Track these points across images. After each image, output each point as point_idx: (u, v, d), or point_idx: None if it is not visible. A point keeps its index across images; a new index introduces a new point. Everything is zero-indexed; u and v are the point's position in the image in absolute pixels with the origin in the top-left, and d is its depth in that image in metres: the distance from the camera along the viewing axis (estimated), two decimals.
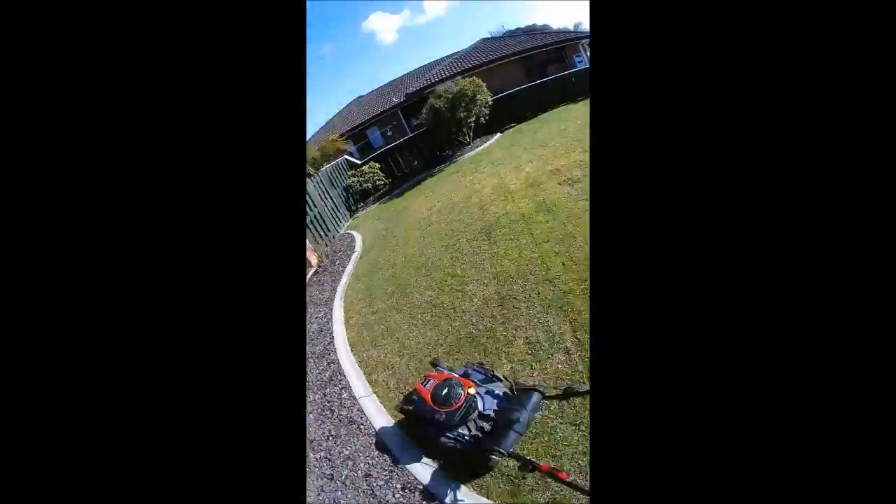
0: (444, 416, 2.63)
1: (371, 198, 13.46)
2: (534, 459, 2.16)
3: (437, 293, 5.07)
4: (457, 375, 2.93)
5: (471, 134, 13.63)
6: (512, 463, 2.39)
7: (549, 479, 2.06)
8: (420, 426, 2.90)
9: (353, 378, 4.23)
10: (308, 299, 7.12)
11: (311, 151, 17.33)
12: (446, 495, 2.47)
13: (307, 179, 10.74)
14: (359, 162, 14.22)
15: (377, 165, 13.72)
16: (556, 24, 20.55)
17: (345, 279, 7.23)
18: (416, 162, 14.25)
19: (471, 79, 12.71)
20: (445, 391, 2.71)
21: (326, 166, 13.17)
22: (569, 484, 1.74)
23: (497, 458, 2.39)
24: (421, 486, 2.61)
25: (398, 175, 14.22)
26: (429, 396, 2.75)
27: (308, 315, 6.43)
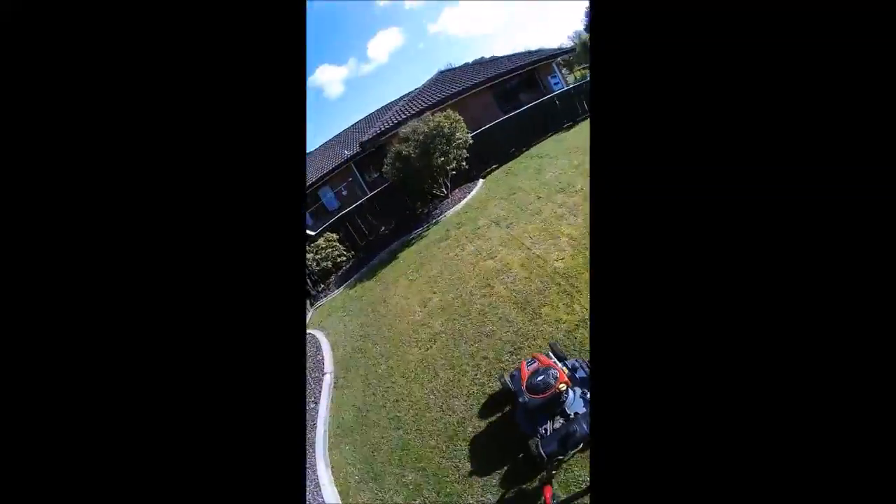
0: (528, 399, 2.76)
1: (332, 278, 10.34)
2: (548, 479, 2.25)
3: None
4: (559, 367, 2.90)
5: (448, 185, 10.81)
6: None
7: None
8: (510, 398, 3.19)
9: None
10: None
11: None
12: None
13: None
14: (312, 234, 11.11)
15: (334, 236, 10.66)
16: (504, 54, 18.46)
17: (322, 428, 4.58)
18: (382, 228, 11.22)
19: (445, 113, 9.98)
20: (540, 378, 2.76)
21: None
22: None
23: (536, 452, 2.51)
24: None
25: (362, 244, 11.15)
26: (525, 378, 2.86)
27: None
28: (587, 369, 2.94)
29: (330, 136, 23.80)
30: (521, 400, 2.82)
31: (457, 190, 10.99)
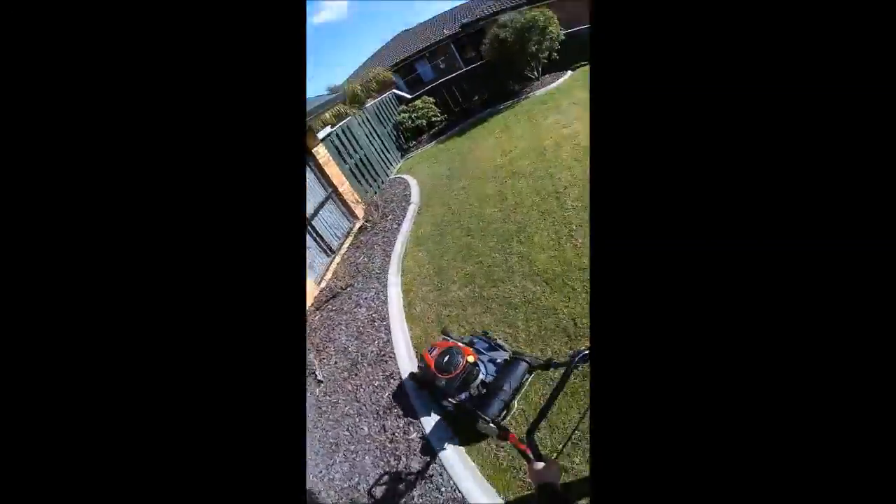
0: (444, 382, 2.79)
1: (425, 136, 12.22)
2: (507, 428, 2.14)
3: (543, 288, 3.78)
4: (461, 344, 2.98)
5: (539, 70, 12.03)
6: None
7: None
8: (426, 391, 3.19)
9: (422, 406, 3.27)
10: (354, 267, 5.85)
11: (354, 87, 15.95)
12: (441, 449, 2.85)
13: (352, 116, 9.58)
14: (409, 96, 12.87)
15: (431, 100, 12.35)
16: None
17: (401, 242, 5.89)
18: (476, 97, 12.75)
19: (540, 9, 11.00)
20: (447, 359, 2.83)
21: (372, 102, 11.95)
22: (524, 454, 1.62)
23: (483, 425, 2.49)
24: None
25: (455, 111, 12.80)
26: (432, 363, 2.89)
27: (354, 293, 5.15)
28: (486, 340, 3.06)
29: (425, 17, 24.33)
30: (438, 385, 2.83)
31: (547, 76, 12.20)
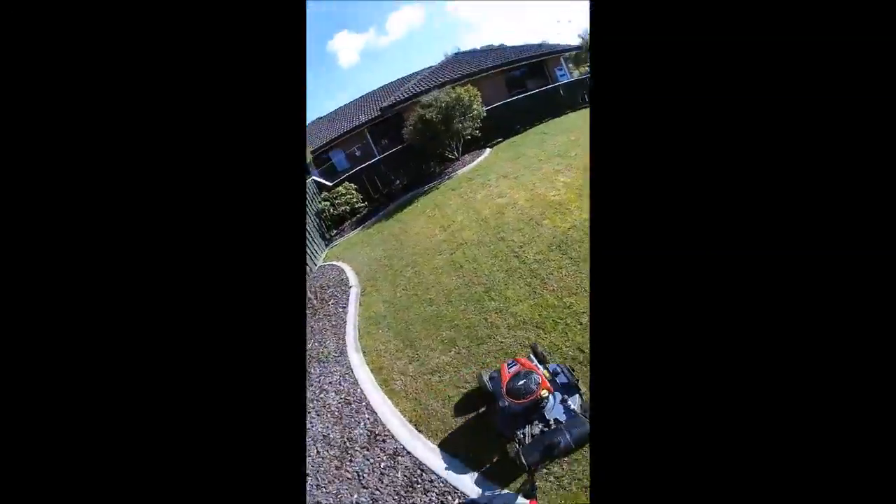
0: (508, 404, 2.68)
1: (347, 223, 11.58)
2: (535, 490, 2.18)
3: (536, 332, 3.76)
4: (540, 370, 2.86)
5: (460, 149, 12.13)
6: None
7: None
8: (489, 403, 3.08)
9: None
10: (307, 353, 5.23)
11: None
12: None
13: None
14: (330, 183, 12.34)
15: (353, 186, 11.89)
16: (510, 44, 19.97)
17: (352, 324, 5.46)
18: (397, 182, 12.49)
19: (465, 87, 11.30)
20: (522, 383, 2.70)
21: None
22: None
23: (514, 454, 2.46)
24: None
25: (376, 197, 12.41)
26: (505, 381, 2.79)
27: (314, 379, 4.64)
28: (569, 375, 2.89)
29: (340, 104, 24.85)
30: (500, 404, 2.77)
31: (467, 155, 12.31)
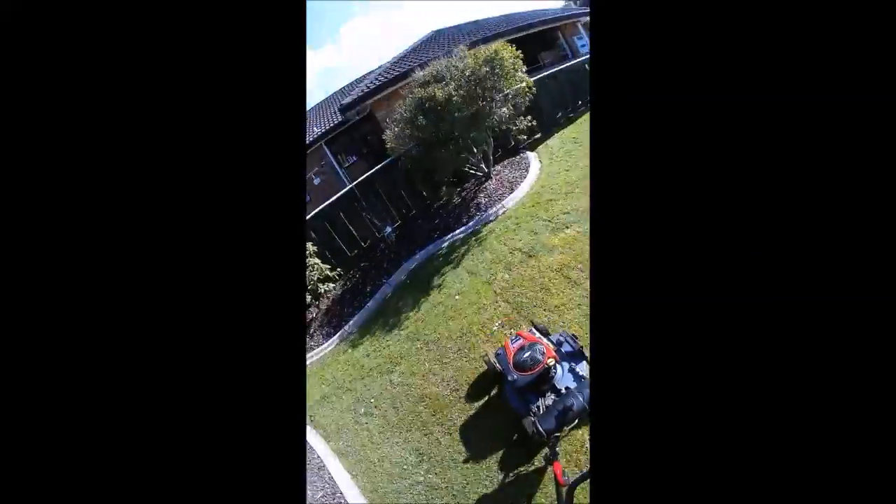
0: (516, 377, 2.70)
1: (314, 315, 6.38)
2: (557, 454, 2.17)
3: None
4: (545, 342, 2.85)
5: (491, 157, 7.00)
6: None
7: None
8: (498, 378, 3.09)
9: None
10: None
11: None
12: None
13: None
14: None
15: (309, 247, 6.68)
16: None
17: None
18: (388, 229, 7.22)
19: (501, 43, 6.13)
20: (527, 355, 2.72)
21: None
22: (558, 494, 1.57)
23: (530, 427, 2.44)
24: None
25: (353, 255, 7.18)
26: (511, 355, 2.80)
27: None
28: (573, 343, 2.86)
29: None
30: (509, 378, 2.73)
31: (498, 165, 7.19)
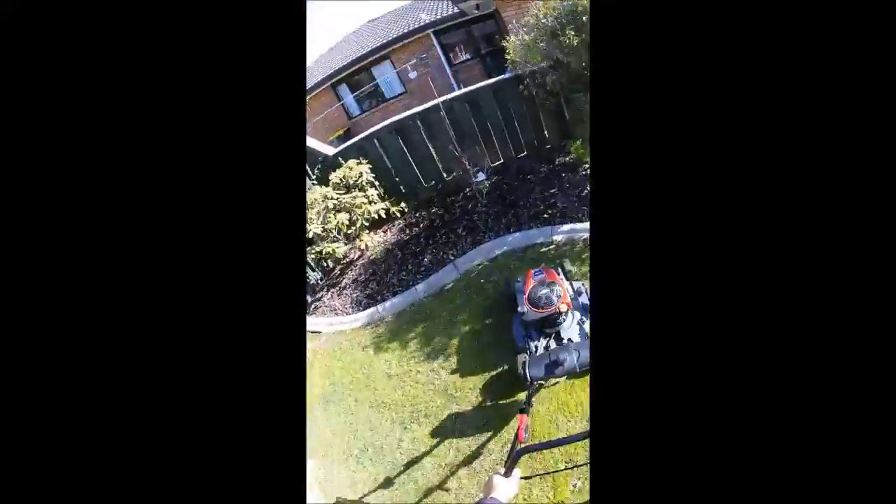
0: (525, 311, 2.63)
1: (356, 259, 4.83)
2: (530, 406, 2.16)
3: None
4: (566, 286, 2.77)
5: None
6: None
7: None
8: (512, 302, 2.97)
9: None
10: None
11: None
12: None
13: None
14: (331, 152, 5.33)
15: (367, 167, 4.89)
16: None
17: None
18: (482, 176, 5.10)
19: None
20: (544, 292, 2.63)
21: None
22: (512, 448, 1.56)
23: (519, 364, 2.46)
24: None
25: (426, 187, 5.34)
26: (528, 287, 2.74)
27: None
28: (591, 296, 2.77)
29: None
30: (519, 310, 2.71)
31: None
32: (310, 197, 4.33)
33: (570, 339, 2.58)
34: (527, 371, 2.38)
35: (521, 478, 1.38)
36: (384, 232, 5.12)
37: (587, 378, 2.51)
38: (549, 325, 2.61)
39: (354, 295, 4.36)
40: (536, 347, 2.57)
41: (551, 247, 3.73)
